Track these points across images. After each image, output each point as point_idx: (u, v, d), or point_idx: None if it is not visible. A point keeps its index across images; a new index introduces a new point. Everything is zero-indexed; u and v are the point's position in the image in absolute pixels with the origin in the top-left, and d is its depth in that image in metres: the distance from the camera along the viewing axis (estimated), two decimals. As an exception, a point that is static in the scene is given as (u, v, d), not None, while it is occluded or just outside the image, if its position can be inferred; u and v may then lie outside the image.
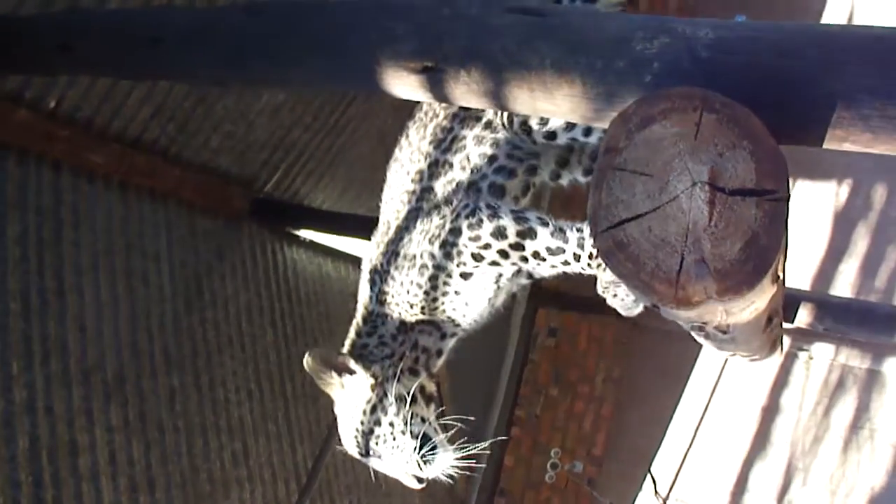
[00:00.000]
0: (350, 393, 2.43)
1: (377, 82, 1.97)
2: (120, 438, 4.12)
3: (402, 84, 1.95)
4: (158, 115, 4.56)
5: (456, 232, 2.32)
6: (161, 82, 4.34)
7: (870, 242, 6.45)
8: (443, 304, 2.42)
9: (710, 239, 1.31)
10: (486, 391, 7.90)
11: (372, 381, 2.40)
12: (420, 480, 2.46)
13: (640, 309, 2.28)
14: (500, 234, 2.25)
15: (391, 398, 2.37)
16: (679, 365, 7.01)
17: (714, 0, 6.70)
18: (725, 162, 1.33)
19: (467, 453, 2.39)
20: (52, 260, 4.04)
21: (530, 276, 2.44)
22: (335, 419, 4.76)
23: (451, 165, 2.46)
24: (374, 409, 2.39)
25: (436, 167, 2.48)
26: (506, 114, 2.41)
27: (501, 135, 2.45)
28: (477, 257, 2.30)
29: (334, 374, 2.44)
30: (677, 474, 7.02)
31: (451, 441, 2.44)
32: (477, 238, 2.28)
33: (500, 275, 2.39)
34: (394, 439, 2.39)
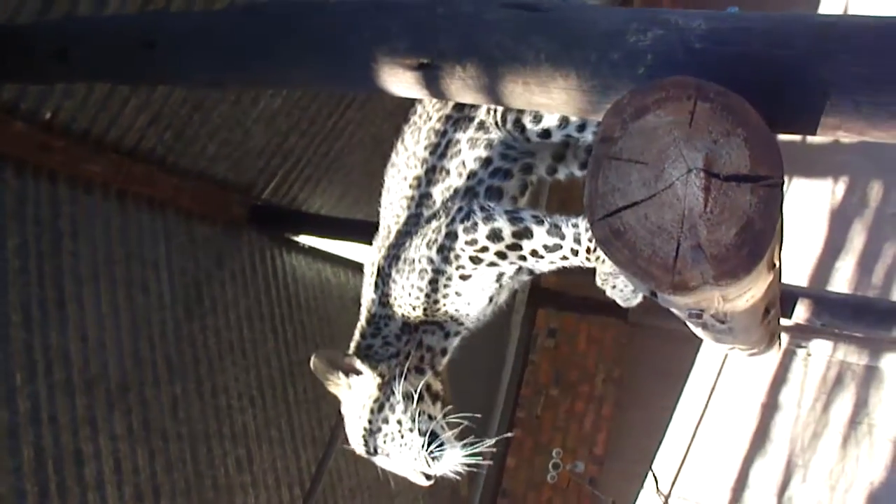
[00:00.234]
0: (357, 393, 2.45)
1: (374, 80, 1.99)
2: (124, 447, 4.13)
3: (399, 81, 1.97)
4: (155, 123, 4.57)
5: (452, 236, 2.34)
6: (157, 90, 4.37)
7: (866, 239, 6.48)
8: (444, 305, 2.44)
9: (705, 225, 1.34)
10: (487, 393, 7.91)
11: (379, 380, 2.42)
12: (428, 477, 2.47)
13: (638, 299, 2.30)
14: (495, 236, 2.27)
15: (398, 396, 2.39)
16: (678, 364, 7.03)
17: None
18: (720, 149, 1.35)
19: (474, 450, 2.41)
20: (52, 270, 4.05)
21: (531, 272, 2.46)
22: (338, 423, 4.79)
23: (447, 172, 2.49)
24: (381, 408, 2.41)
25: (433, 173, 2.51)
26: (498, 113, 2.44)
27: (495, 135, 2.48)
28: (475, 260, 2.33)
29: (341, 375, 2.46)
30: (678, 472, 7.04)
31: (457, 438, 2.46)
32: (473, 242, 2.30)
33: (502, 273, 2.42)
34: (401, 437, 2.40)
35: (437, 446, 2.40)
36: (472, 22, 1.83)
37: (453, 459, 2.42)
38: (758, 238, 1.33)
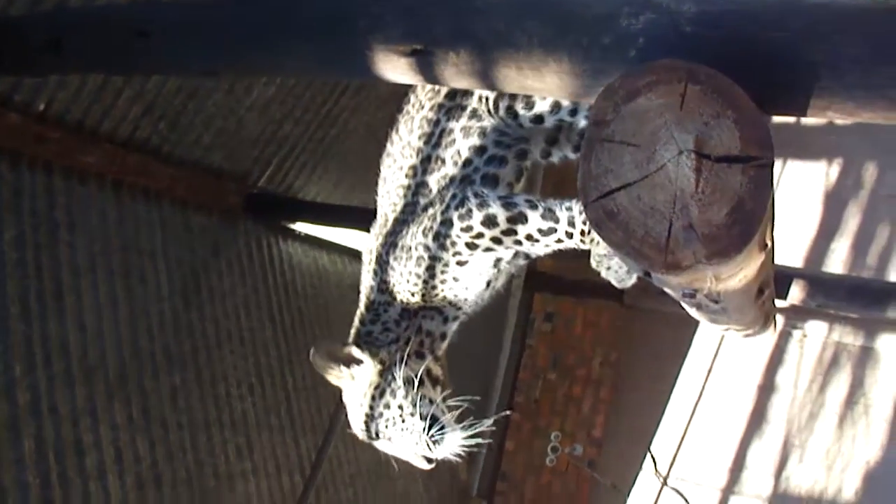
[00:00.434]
0: (359, 381, 2.47)
1: (368, 68, 2.01)
2: (125, 436, 4.15)
3: (393, 68, 1.98)
4: (149, 113, 4.58)
5: (447, 223, 2.36)
6: (151, 80, 4.37)
7: (861, 220, 6.51)
8: (442, 290, 2.46)
9: (697, 205, 1.35)
10: (484, 378, 7.95)
11: (379, 366, 2.44)
12: (429, 461, 2.50)
13: (633, 280, 2.32)
14: (490, 222, 2.29)
15: (399, 382, 2.41)
16: (675, 346, 7.07)
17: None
18: (710, 130, 1.36)
19: (474, 432, 2.43)
20: (50, 262, 4.06)
21: (528, 256, 2.48)
22: (337, 410, 4.82)
23: (443, 161, 2.51)
24: (382, 394, 2.43)
25: (428, 163, 2.52)
26: (490, 101, 2.45)
27: (488, 123, 2.49)
28: (471, 246, 2.35)
29: (342, 367, 2.48)
30: (676, 454, 7.09)
31: (456, 421, 2.48)
32: (469, 228, 2.32)
33: (499, 259, 2.44)
34: (403, 422, 2.43)
35: (437, 430, 2.43)
36: (464, 8, 1.84)
37: (454, 442, 2.45)
38: (749, 218, 1.35)
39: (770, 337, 6.44)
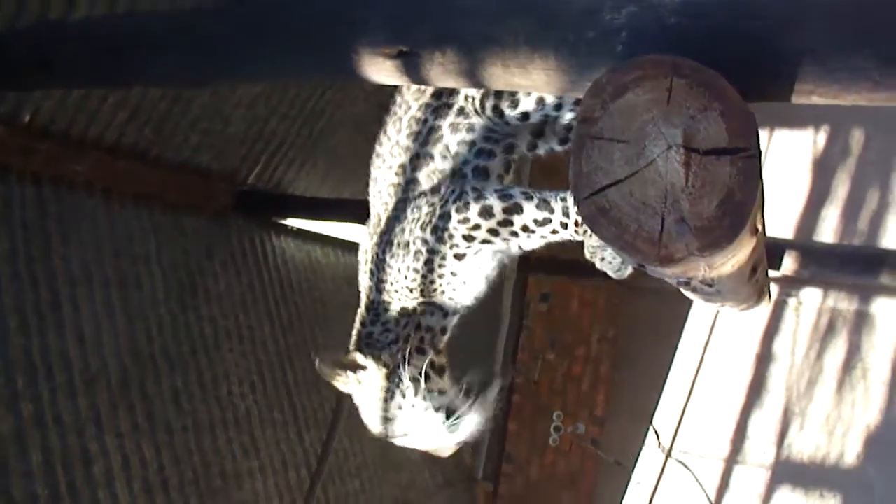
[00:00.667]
0: (367, 386, 2.49)
1: (355, 70, 2.02)
2: (130, 443, 4.17)
3: (380, 70, 2.00)
4: (134, 118, 4.57)
5: (445, 216, 2.38)
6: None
7: (850, 186, 6.52)
8: (440, 285, 2.48)
9: (687, 198, 1.37)
10: (483, 361, 7.99)
11: (384, 370, 2.46)
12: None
13: (628, 271, 2.35)
14: (487, 213, 2.32)
15: (406, 382, 2.44)
16: (671, 321, 7.09)
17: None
18: (698, 124, 1.38)
19: (486, 403, 2.47)
20: (44, 273, 4.06)
21: (520, 247, 2.50)
22: (339, 403, 4.84)
23: (431, 157, 2.53)
24: (392, 396, 2.46)
25: (417, 159, 2.54)
26: (476, 101, 2.47)
27: (475, 119, 2.51)
28: (468, 238, 2.37)
29: (349, 374, 2.50)
30: (678, 427, 7.13)
31: (465, 396, 2.52)
32: (466, 220, 2.35)
33: (497, 252, 2.47)
34: (419, 419, 2.46)
35: (454, 420, 2.46)
36: (449, 8, 1.85)
37: (471, 425, 2.49)
38: (739, 208, 1.37)
39: (765, 308, 6.47)
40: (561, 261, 7.62)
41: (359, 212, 5.80)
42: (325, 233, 6.50)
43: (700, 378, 7.06)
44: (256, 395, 5.19)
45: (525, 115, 2.43)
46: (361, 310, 2.60)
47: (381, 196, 2.62)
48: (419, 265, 2.44)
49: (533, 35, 1.74)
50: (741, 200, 1.37)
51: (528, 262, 7.75)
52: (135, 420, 4.25)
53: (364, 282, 2.61)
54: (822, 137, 6.69)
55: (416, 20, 1.89)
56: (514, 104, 2.40)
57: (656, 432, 7.22)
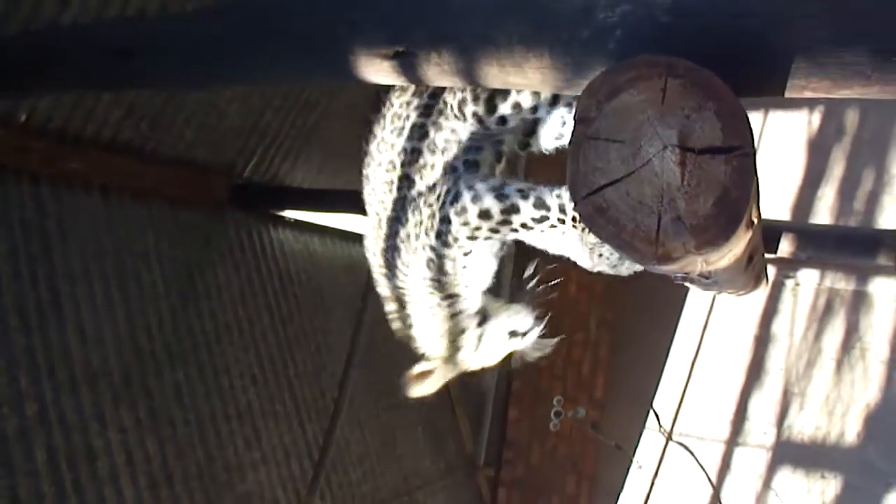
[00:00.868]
0: (452, 371, 2.68)
1: (352, 72, 2.03)
2: (134, 438, 4.19)
3: (377, 71, 2.01)
4: (130, 115, 4.57)
5: (445, 220, 2.44)
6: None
7: (845, 166, 6.54)
8: (457, 281, 2.55)
9: (683, 198, 1.39)
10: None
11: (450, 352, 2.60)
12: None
13: (625, 268, 2.38)
14: (485, 215, 2.37)
15: (481, 345, 2.63)
16: (670, 304, 7.13)
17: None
18: (692, 124, 1.39)
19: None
20: (45, 272, 4.07)
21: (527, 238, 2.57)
22: (341, 393, 4.86)
23: (420, 152, 2.55)
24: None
25: (405, 155, 2.57)
26: (456, 104, 2.49)
27: (457, 123, 2.54)
28: (472, 238, 2.44)
29: (437, 377, 2.69)
30: (678, 410, 7.17)
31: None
32: (466, 223, 2.40)
33: (503, 243, 2.54)
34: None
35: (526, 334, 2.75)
36: (444, 8, 1.86)
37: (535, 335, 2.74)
38: (734, 206, 1.39)
39: (763, 291, 6.49)
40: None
41: (355, 202, 5.81)
42: (322, 223, 6.51)
43: (699, 360, 7.10)
44: (258, 387, 5.21)
45: (503, 119, 2.45)
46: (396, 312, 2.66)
47: (375, 194, 2.64)
48: (433, 273, 2.53)
49: (527, 34, 1.75)
50: (736, 198, 1.38)
51: (524, 248, 7.75)
52: (138, 415, 4.27)
53: (382, 283, 2.67)
54: (816, 118, 6.70)
55: (413, 21, 1.90)
56: (491, 110, 2.43)
57: (657, 415, 7.26)
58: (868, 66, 1.51)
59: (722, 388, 6.94)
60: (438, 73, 1.93)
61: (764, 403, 6.76)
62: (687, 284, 2.33)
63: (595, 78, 1.49)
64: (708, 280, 1.98)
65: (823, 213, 6.55)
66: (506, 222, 2.35)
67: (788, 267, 6.62)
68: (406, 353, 7.04)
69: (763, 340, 6.81)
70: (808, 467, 6.47)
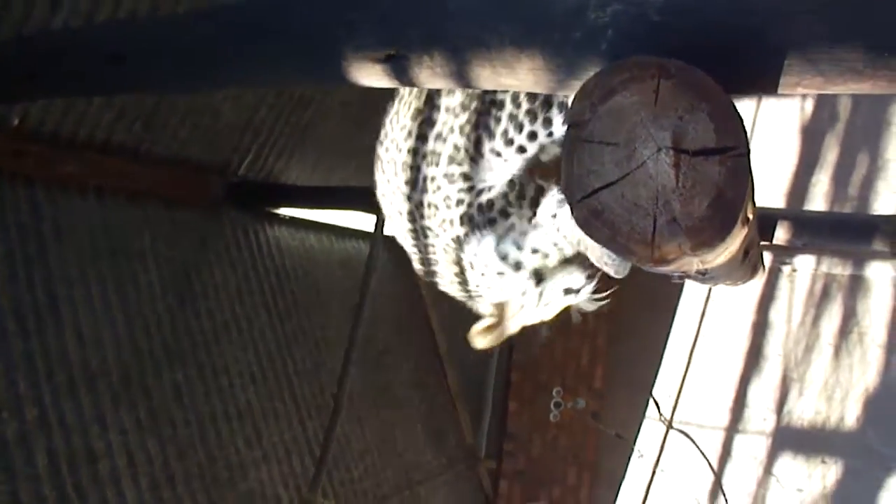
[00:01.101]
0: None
1: (344, 75, 2.02)
2: (135, 439, 4.20)
3: (369, 74, 2.00)
4: (123, 116, 4.56)
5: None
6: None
7: (839, 152, 6.55)
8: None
9: (678, 199, 1.39)
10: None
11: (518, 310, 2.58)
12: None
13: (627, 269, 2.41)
14: (517, 266, 2.42)
15: (540, 302, 2.60)
16: (667, 292, 7.13)
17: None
18: (686, 125, 1.39)
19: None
20: (41, 275, 4.07)
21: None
22: (340, 389, 4.86)
23: (436, 206, 2.50)
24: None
25: (423, 208, 2.53)
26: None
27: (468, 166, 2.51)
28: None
29: (501, 332, 2.60)
30: (678, 398, 7.19)
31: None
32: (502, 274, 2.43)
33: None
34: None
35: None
36: (436, 11, 1.85)
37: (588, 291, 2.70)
38: (729, 206, 1.39)
39: (759, 279, 6.50)
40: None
41: (350, 198, 5.82)
42: (318, 220, 6.51)
43: (698, 348, 7.12)
44: (257, 385, 5.22)
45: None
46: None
47: (400, 234, 2.62)
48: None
49: (519, 36, 1.75)
50: (731, 199, 1.38)
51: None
52: (138, 417, 4.27)
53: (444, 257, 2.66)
54: (809, 104, 6.70)
55: (404, 23, 1.89)
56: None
57: (657, 404, 7.28)
58: (861, 62, 1.51)
59: (721, 375, 6.96)
60: (431, 75, 1.92)
61: (763, 390, 6.78)
62: (683, 278, 2.34)
63: (588, 80, 1.49)
64: (705, 276, 1.98)
65: (818, 200, 6.56)
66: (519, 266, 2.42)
67: (785, 253, 6.63)
68: (404, 350, 7.05)
69: (761, 327, 6.82)
70: (809, 452, 6.49)
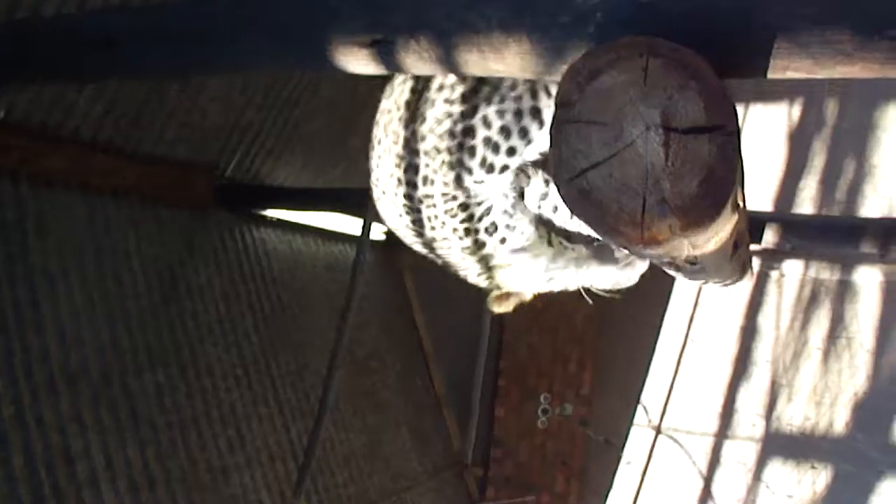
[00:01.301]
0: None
1: (331, 61, 2.00)
2: (114, 440, 4.13)
3: (355, 59, 1.97)
4: (111, 112, 4.51)
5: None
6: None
7: (826, 156, 6.55)
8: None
9: (668, 178, 1.36)
10: (468, 345, 7.98)
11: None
12: None
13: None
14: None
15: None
16: (655, 297, 7.10)
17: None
18: (675, 104, 1.36)
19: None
20: (23, 271, 4.02)
21: None
22: (325, 393, 4.81)
23: (448, 239, 2.50)
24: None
25: (434, 244, 2.54)
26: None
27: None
28: None
29: (515, 298, 2.70)
30: (666, 403, 7.16)
31: None
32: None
33: None
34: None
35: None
36: (423, -8, 1.83)
37: None
38: (720, 186, 1.36)
39: (748, 281, 6.49)
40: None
41: (336, 201, 5.78)
42: (305, 222, 6.48)
43: (686, 354, 7.09)
44: (241, 388, 5.16)
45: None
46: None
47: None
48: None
49: (506, 20, 1.72)
50: (722, 178, 1.35)
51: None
52: (118, 417, 4.20)
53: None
54: (796, 108, 6.70)
55: (390, 8, 1.87)
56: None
57: (645, 409, 7.24)
58: (849, 43, 1.49)
59: (709, 380, 6.93)
60: (417, 60, 1.89)
61: (752, 395, 6.75)
62: (673, 272, 2.30)
63: (575, 61, 1.46)
64: (695, 266, 1.95)
65: (806, 205, 6.55)
66: None
67: (773, 258, 6.62)
68: (391, 354, 6.99)
69: (749, 332, 6.80)
70: (798, 458, 6.47)
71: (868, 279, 6.28)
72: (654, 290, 7.05)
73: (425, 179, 2.34)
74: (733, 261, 2.48)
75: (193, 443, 4.62)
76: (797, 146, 6.65)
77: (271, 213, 6.06)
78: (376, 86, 2.47)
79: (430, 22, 1.83)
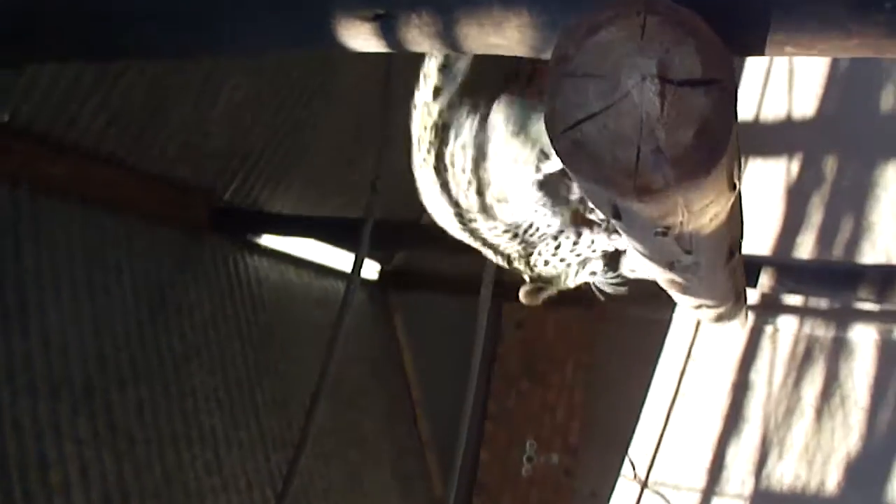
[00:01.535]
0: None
1: (332, 36, 2.00)
2: (90, 451, 4.07)
3: (356, 35, 1.97)
4: (114, 124, 4.54)
5: None
6: (117, 89, 4.34)
7: (824, 213, 6.57)
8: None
9: (663, 128, 1.35)
10: (456, 389, 7.88)
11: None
12: None
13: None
14: None
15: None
16: (647, 349, 7.08)
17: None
18: (672, 56, 1.36)
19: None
20: (13, 275, 4.00)
21: None
22: (307, 423, 4.74)
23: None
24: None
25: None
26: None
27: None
28: None
29: (543, 293, 2.85)
30: (654, 457, 7.07)
31: None
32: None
33: None
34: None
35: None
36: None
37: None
38: (715, 139, 1.35)
39: (742, 333, 6.46)
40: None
41: (333, 232, 5.76)
42: (299, 255, 6.46)
43: (676, 407, 7.03)
44: (223, 412, 5.09)
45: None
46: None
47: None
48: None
49: (506, -9, 1.73)
50: (717, 131, 1.35)
51: (502, 289, 7.68)
52: (96, 428, 4.15)
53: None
54: (795, 165, 6.75)
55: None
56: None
57: (632, 462, 7.15)
58: (847, 18, 1.49)
59: (699, 435, 6.85)
60: (418, 35, 1.90)
61: (742, 452, 6.67)
62: (666, 274, 2.28)
63: (572, 19, 1.46)
64: (689, 257, 1.93)
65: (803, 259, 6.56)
66: None
67: (767, 312, 6.60)
68: (377, 393, 6.93)
69: (741, 387, 6.75)
70: (788, 517, 6.37)
71: (863, 337, 6.26)
72: (647, 342, 7.04)
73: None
74: (728, 270, 2.46)
75: (171, 461, 4.54)
76: (796, 202, 6.68)
77: (267, 241, 6.04)
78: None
79: (431, -6, 1.84)
